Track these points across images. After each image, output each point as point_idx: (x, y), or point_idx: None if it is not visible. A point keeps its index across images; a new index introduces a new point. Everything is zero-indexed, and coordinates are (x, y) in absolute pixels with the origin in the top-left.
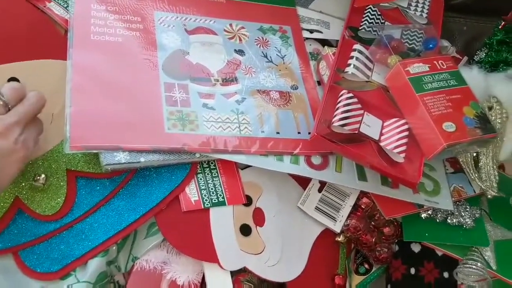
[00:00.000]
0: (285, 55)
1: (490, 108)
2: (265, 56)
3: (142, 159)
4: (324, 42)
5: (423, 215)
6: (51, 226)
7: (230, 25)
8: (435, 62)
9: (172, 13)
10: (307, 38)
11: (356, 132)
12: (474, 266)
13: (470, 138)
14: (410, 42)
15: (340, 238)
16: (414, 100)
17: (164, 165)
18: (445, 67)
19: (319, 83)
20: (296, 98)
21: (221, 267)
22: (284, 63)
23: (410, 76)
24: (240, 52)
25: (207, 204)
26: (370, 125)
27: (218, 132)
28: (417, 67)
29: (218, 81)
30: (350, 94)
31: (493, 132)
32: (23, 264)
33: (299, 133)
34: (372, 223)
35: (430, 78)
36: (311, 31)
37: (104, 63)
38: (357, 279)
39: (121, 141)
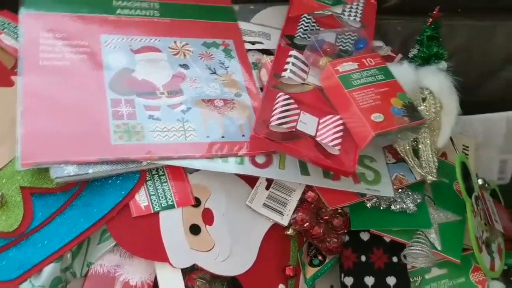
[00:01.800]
0: (228, 66)
1: (424, 100)
2: (209, 68)
3: (90, 171)
4: (266, 52)
5: (368, 204)
6: (8, 239)
7: (175, 42)
8: (363, 60)
9: (118, 35)
10: (249, 50)
11: (294, 130)
12: (419, 248)
13: (398, 126)
14: (344, 45)
15: (290, 232)
16: (344, 96)
17: (113, 175)
18: (373, 63)
19: (262, 89)
20: (240, 105)
21: (171, 265)
22: (227, 73)
23: (340, 74)
24: (185, 66)
25: (156, 208)
26: (307, 123)
27: (164, 140)
28: (346, 66)
29: (163, 94)
30: (287, 96)
31: (420, 119)
32: None
33: (243, 136)
34: (322, 215)
35: (358, 75)
36: (253, 43)
37: (52, 85)
38: (311, 270)
39: (69, 155)
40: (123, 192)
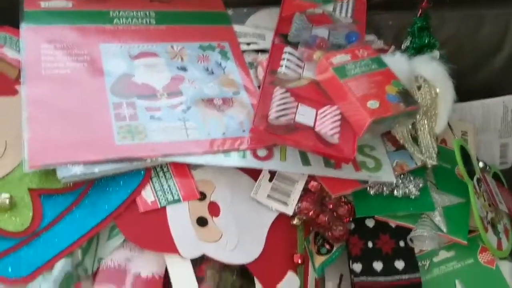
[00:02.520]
0: (225, 67)
1: (419, 88)
2: (207, 70)
3: (96, 170)
4: (262, 52)
5: (371, 192)
6: (19, 238)
7: (172, 47)
8: (356, 51)
9: (116, 43)
10: (245, 51)
11: (292, 122)
12: (425, 231)
13: (393, 112)
14: (337, 40)
15: (295, 221)
16: (340, 87)
17: (118, 173)
18: (365, 54)
19: (259, 87)
20: (238, 103)
21: (181, 256)
22: (225, 73)
23: (334, 66)
24: (183, 68)
25: (163, 203)
26: (305, 115)
27: (166, 139)
28: (339, 58)
29: (163, 95)
30: (284, 90)
31: (415, 104)
32: None
33: (243, 131)
34: (326, 204)
35: (352, 66)
36: (248, 44)
37: (55, 92)
38: (319, 259)
39: (75, 156)
40: (129, 190)
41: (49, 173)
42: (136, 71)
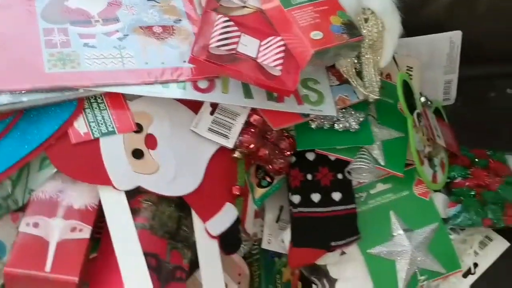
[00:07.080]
0: None
1: (366, 20)
2: None
3: (24, 99)
4: None
5: (313, 125)
6: None
7: None
8: None
9: None
10: None
11: (234, 52)
12: (362, 164)
13: (336, 43)
14: None
15: (236, 154)
16: (283, 16)
17: (49, 103)
18: None
19: None
20: (179, 31)
21: (115, 188)
22: (166, 0)
23: None
24: None
25: (96, 135)
26: (248, 45)
27: (100, 68)
28: None
29: (98, 21)
30: (226, 18)
31: (359, 35)
32: None
33: (184, 61)
34: (268, 138)
35: None
36: None
37: None
38: (259, 191)
39: (0, 84)
40: (60, 120)
41: None
42: None
